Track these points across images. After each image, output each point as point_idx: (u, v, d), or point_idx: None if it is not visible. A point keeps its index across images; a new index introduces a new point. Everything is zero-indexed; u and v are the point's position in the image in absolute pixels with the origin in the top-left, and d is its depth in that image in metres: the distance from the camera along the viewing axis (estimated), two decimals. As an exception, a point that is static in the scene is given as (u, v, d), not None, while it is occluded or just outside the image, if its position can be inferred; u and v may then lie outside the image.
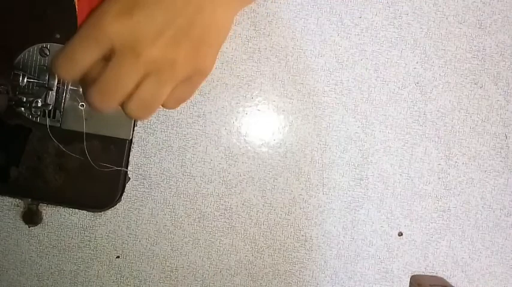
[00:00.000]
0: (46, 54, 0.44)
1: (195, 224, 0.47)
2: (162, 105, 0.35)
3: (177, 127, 0.47)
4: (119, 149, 0.46)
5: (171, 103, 0.34)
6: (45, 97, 0.43)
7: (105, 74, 0.31)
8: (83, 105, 0.45)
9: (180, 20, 0.32)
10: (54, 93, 0.44)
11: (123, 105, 0.33)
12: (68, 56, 0.31)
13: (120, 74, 0.31)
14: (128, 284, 0.47)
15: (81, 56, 0.31)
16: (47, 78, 0.43)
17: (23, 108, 0.43)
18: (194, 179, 0.47)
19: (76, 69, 0.31)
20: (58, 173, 0.46)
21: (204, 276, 0.47)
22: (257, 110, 0.47)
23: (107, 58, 0.31)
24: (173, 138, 0.47)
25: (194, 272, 0.47)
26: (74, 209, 0.47)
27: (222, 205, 0.47)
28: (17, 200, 0.46)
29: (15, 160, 0.45)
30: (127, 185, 0.47)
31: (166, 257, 0.47)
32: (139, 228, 0.47)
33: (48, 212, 0.46)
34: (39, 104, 0.43)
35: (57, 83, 0.44)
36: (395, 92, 0.47)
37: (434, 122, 0.47)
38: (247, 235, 0.47)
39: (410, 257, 0.48)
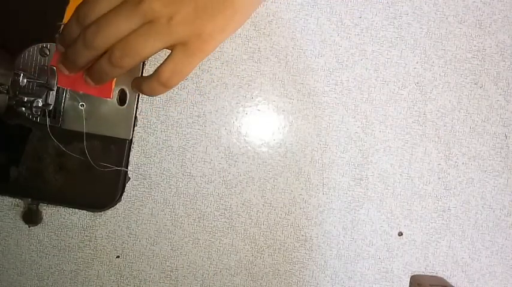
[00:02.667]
0: (46, 54, 0.44)
1: (195, 224, 0.47)
2: (158, 78, 0.34)
3: (177, 127, 0.47)
4: (119, 149, 0.46)
5: (166, 73, 0.34)
6: (46, 97, 0.43)
7: (106, 14, 0.32)
8: (83, 105, 0.45)
9: None
10: (55, 93, 0.44)
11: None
12: (87, 2, 0.33)
13: (117, 14, 0.32)
14: (127, 284, 0.47)
15: (99, 3, 0.33)
16: (47, 78, 0.43)
17: (23, 108, 0.43)
18: (194, 179, 0.47)
19: (93, 14, 0.33)
20: (58, 173, 0.46)
21: (204, 276, 0.47)
22: (257, 110, 0.47)
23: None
24: (173, 138, 0.47)
25: (194, 272, 0.47)
26: (74, 209, 0.47)
27: (222, 204, 0.47)
28: (17, 200, 0.46)
29: (15, 160, 0.45)
30: (127, 185, 0.47)
31: (166, 257, 0.47)
32: (139, 228, 0.47)
33: (48, 212, 0.46)
34: (40, 104, 0.43)
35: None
36: (395, 92, 0.47)
37: (434, 122, 0.47)
38: (247, 235, 0.47)
39: (410, 257, 0.48)
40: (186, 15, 0.32)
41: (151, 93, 0.37)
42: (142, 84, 0.37)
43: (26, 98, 0.42)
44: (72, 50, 0.35)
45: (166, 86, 0.35)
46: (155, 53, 0.33)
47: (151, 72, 0.34)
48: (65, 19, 0.43)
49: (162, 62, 0.34)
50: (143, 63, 0.47)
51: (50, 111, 0.44)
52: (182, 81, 0.47)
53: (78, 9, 0.34)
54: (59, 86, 0.41)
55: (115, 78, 0.42)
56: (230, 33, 0.35)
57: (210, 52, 0.35)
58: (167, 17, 0.32)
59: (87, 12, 0.34)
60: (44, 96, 0.43)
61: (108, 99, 0.45)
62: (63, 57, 0.36)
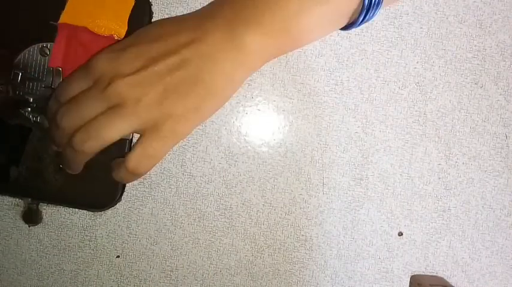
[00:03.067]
0: (46, 54, 0.44)
1: (195, 223, 0.47)
2: (126, 166, 0.32)
3: (177, 127, 0.47)
4: (119, 149, 0.46)
5: (133, 160, 0.32)
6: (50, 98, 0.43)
7: (76, 96, 0.32)
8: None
9: (164, 63, 0.31)
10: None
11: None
12: (64, 81, 0.34)
13: (84, 97, 0.32)
14: (127, 284, 0.47)
15: (71, 84, 0.33)
16: (52, 79, 0.43)
17: (29, 109, 0.43)
18: (194, 178, 0.47)
19: (65, 95, 0.33)
20: (58, 173, 0.46)
21: (204, 276, 0.47)
22: (257, 109, 0.47)
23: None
24: (173, 138, 0.47)
25: (194, 272, 0.47)
26: (74, 209, 0.47)
27: (222, 204, 0.47)
28: (17, 199, 0.46)
29: (15, 159, 0.45)
30: (127, 184, 0.47)
31: (166, 257, 0.47)
32: (139, 228, 0.47)
33: (48, 211, 0.46)
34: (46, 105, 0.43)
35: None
36: (395, 91, 0.47)
37: (435, 122, 0.47)
38: (247, 234, 0.47)
39: (410, 257, 0.48)
40: (154, 96, 0.31)
41: (124, 182, 0.36)
42: (113, 171, 0.35)
43: (31, 99, 0.42)
44: (49, 131, 0.35)
45: (136, 174, 0.33)
46: (122, 137, 0.32)
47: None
48: (62, 18, 0.43)
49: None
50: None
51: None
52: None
53: (57, 86, 0.34)
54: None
55: None
56: (207, 115, 0.33)
57: (185, 134, 0.33)
58: (134, 99, 0.31)
59: (61, 92, 0.34)
60: (48, 97, 0.43)
61: None
62: (49, 135, 0.37)
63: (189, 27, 0.32)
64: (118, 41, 0.43)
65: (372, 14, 0.34)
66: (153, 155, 0.33)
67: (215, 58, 0.32)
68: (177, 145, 0.47)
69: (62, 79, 0.37)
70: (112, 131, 0.32)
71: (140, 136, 0.33)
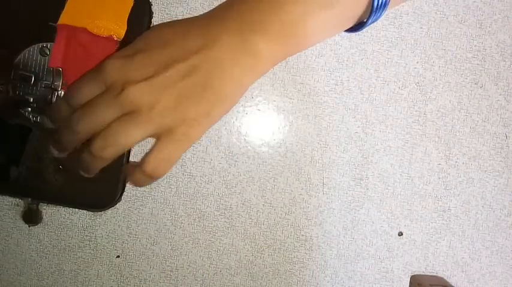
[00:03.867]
0: (46, 54, 0.44)
1: (195, 223, 0.47)
2: (143, 170, 0.33)
3: (177, 127, 0.47)
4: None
5: (151, 163, 0.33)
6: (51, 98, 0.43)
7: (90, 101, 0.32)
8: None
9: (175, 69, 0.32)
10: (56, 93, 0.44)
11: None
12: (74, 86, 0.34)
13: (99, 104, 0.32)
14: (127, 284, 0.47)
15: (82, 88, 0.33)
16: (52, 79, 0.43)
17: (29, 109, 0.43)
18: (194, 178, 0.47)
19: (77, 99, 0.33)
20: (58, 173, 0.46)
21: (204, 276, 0.47)
22: (257, 109, 0.47)
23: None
24: (173, 138, 0.47)
25: (194, 272, 0.47)
26: (74, 209, 0.47)
27: (222, 204, 0.47)
28: (17, 199, 0.46)
29: (15, 159, 0.45)
30: (127, 184, 0.47)
31: (166, 257, 0.47)
32: (139, 228, 0.47)
33: (48, 211, 0.46)
34: (46, 105, 0.43)
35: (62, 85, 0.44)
36: (395, 91, 0.47)
37: (435, 122, 0.47)
38: (247, 234, 0.47)
39: (410, 257, 0.48)
40: (167, 103, 0.32)
41: (139, 185, 0.36)
42: (128, 176, 0.36)
43: (31, 99, 0.42)
44: (59, 133, 0.35)
45: (153, 177, 0.34)
46: (139, 142, 0.33)
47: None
48: (61, 19, 0.43)
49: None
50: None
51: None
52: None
53: (68, 89, 0.34)
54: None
55: None
56: (217, 118, 0.34)
57: (198, 138, 0.34)
58: (148, 106, 0.31)
59: (73, 95, 0.34)
60: (49, 97, 0.43)
61: None
62: (53, 139, 0.36)
63: (197, 33, 0.33)
64: (118, 41, 0.43)
65: (378, 15, 0.34)
66: (168, 158, 0.34)
67: (224, 64, 0.32)
68: (177, 145, 0.47)
69: (72, 83, 0.37)
70: (129, 139, 0.32)
71: (156, 140, 0.33)
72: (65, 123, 0.34)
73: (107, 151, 0.33)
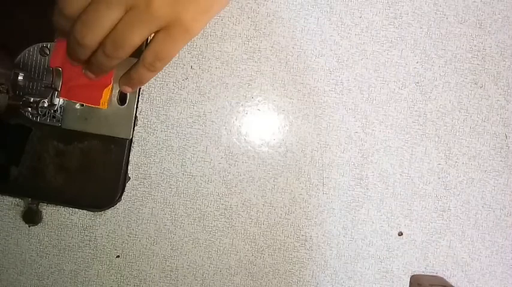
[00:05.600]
0: (46, 53, 0.44)
1: (195, 223, 0.47)
2: (143, 63, 0.35)
3: (177, 127, 0.47)
4: (119, 149, 0.46)
5: (150, 56, 0.34)
6: (51, 98, 0.43)
7: (87, 7, 0.33)
8: (82, 104, 0.45)
9: None
10: (56, 93, 0.44)
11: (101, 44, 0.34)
12: None
13: (98, 6, 0.32)
14: (127, 284, 0.47)
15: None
16: (52, 79, 0.43)
17: (30, 109, 0.43)
18: (194, 178, 0.47)
19: (72, 8, 0.33)
20: (58, 172, 0.46)
21: (204, 276, 0.47)
22: (257, 109, 0.47)
23: None
24: (173, 138, 0.47)
25: (194, 272, 0.47)
26: (74, 209, 0.47)
27: (222, 204, 0.47)
28: (17, 199, 0.46)
29: (15, 159, 0.45)
30: (127, 184, 0.47)
31: (166, 257, 0.47)
32: (139, 228, 0.47)
33: (48, 211, 0.46)
34: (46, 105, 0.43)
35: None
36: (395, 91, 0.47)
37: (434, 122, 0.47)
38: (247, 234, 0.47)
39: (410, 257, 0.48)
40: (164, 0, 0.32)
41: (140, 80, 0.38)
42: (130, 74, 0.37)
43: (32, 99, 0.42)
44: (69, 48, 0.36)
45: (151, 70, 0.36)
46: (144, 40, 0.34)
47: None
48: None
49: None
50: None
51: (50, 111, 0.44)
52: (182, 81, 0.47)
53: (58, 1, 0.34)
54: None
55: (110, 89, 0.43)
56: (214, 14, 0.35)
57: (195, 34, 0.35)
58: (145, 3, 0.32)
59: (65, 5, 0.34)
60: (49, 97, 0.43)
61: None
62: (68, 53, 0.37)
63: None
64: None
65: None
66: (166, 53, 0.35)
67: None
68: (177, 145, 0.47)
69: None
70: (136, 36, 0.33)
71: (154, 34, 0.35)
72: (70, 40, 0.35)
73: (118, 51, 0.34)
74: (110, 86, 0.44)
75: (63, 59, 0.42)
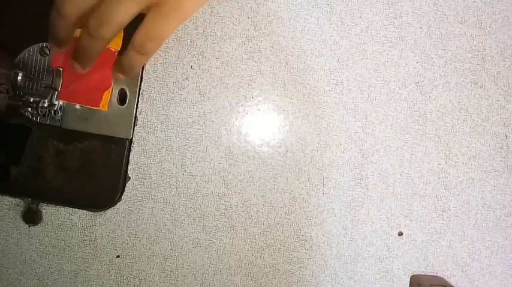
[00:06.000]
0: (46, 53, 0.44)
1: (195, 223, 0.47)
2: (133, 46, 0.32)
3: (177, 127, 0.47)
4: (119, 149, 0.46)
5: (140, 37, 0.32)
6: (51, 97, 0.43)
7: None
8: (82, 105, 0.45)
9: None
10: (56, 93, 0.44)
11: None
12: None
13: None
14: (127, 284, 0.47)
15: None
16: (52, 78, 0.43)
17: (30, 109, 0.43)
18: (194, 178, 0.47)
19: None
20: (58, 172, 0.46)
21: (204, 276, 0.47)
22: (257, 109, 0.47)
23: None
24: (173, 138, 0.47)
25: (194, 272, 0.47)
26: (74, 209, 0.47)
27: (222, 204, 0.47)
28: (17, 199, 0.46)
29: (15, 159, 0.45)
30: (127, 184, 0.47)
31: (166, 257, 0.47)
32: (139, 228, 0.47)
33: (48, 211, 0.46)
34: (46, 105, 0.43)
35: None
36: (395, 91, 0.47)
37: (434, 122, 0.47)
38: (247, 234, 0.47)
39: (410, 257, 0.48)
40: None
41: (132, 66, 0.35)
42: (121, 60, 0.35)
43: (32, 99, 0.42)
44: (50, 23, 0.33)
45: (142, 53, 0.33)
46: (132, 18, 0.31)
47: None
48: None
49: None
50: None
51: (50, 111, 0.44)
52: (182, 81, 0.47)
53: None
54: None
55: (110, 92, 0.43)
56: None
57: (188, 13, 0.32)
58: None
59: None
60: (49, 96, 0.43)
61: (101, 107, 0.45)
62: (48, 34, 0.35)
63: None
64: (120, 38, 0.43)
65: None
66: (157, 33, 0.32)
67: None
68: (177, 145, 0.47)
69: None
70: (122, 12, 0.31)
71: (145, 16, 0.32)
72: (52, 12, 0.32)
73: (103, 29, 0.31)
74: (110, 89, 0.44)
75: (63, 59, 0.42)
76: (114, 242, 0.47)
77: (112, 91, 0.44)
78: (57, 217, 0.47)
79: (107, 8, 0.30)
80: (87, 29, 0.31)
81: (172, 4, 0.31)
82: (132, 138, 0.46)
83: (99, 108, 0.44)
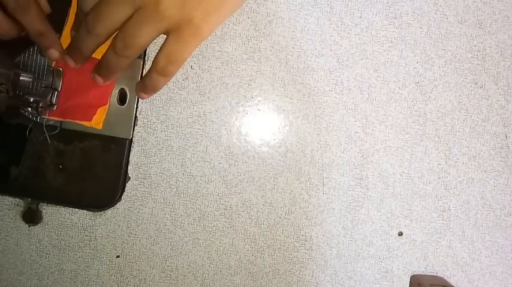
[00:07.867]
0: (46, 54, 0.43)
1: (195, 223, 0.47)
2: (155, 68, 0.35)
3: (177, 127, 0.47)
4: (119, 149, 0.46)
5: (162, 60, 0.34)
6: (51, 97, 0.43)
7: (98, 4, 0.34)
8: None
9: None
10: (56, 93, 0.44)
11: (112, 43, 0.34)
12: None
13: (108, 2, 0.33)
14: (127, 284, 0.47)
15: None
16: (52, 79, 0.43)
17: (30, 109, 0.43)
18: (194, 178, 0.47)
19: (87, 3, 0.35)
20: (58, 172, 0.46)
21: (204, 276, 0.47)
22: (257, 109, 0.47)
23: None
24: (173, 138, 0.47)
25: (194, 272, 0.47)
26: (74, 209, 0.47)
27: (222, 204, 0.47)
28: (17, 199, 0.46)
29: (15, 159, 0.45)
30: (127, 184, 0.47)
31: (166, 257, 0.47)
32: (139, 228, 0.47)
33: (48, 211, 0.46)
34: (46, 105, 0.43)
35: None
36: (395, 91, 0.47)
37: (434, 122, 0.47)
38: (247, 234, 0.47)
39: (410, 257, 0.48)
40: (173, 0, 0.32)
41: (154, 86, 0.38)
42: (144, 81, 0.37)
43: (31, 99, 0.42)
44: (77, 38, 0.36)
45: (164, 75, 0.36)
46: (152, 41, 0.34)
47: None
48: (68, 24, 0.43)
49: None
50: (143, 63, 0.47)
51: (50, 111, 0.44)
52: (182, 81, 0.47)
53: None
54: (50, 118, 0.43)
55: (105, 110, 0.43)
56: (225, 16, 0.35)
57: (206, 36, 0.34)
58: (154, 2, 0.32)
59: (82, 2, 0.35)
60: (49, 96, 0.43)
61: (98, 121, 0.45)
62: (69, 48, 0.37)
63: None
64: None
65: None
66: (176, 57, 0.35)
67: None
68: (177, 145, 0.47)
69: None
70: (144, 36, 0.33)
71: (165, 39, 0.35)
72: (82, 29, 0.35)
73: (128, 50, 0.34)
74: (107, 106, 0.44)
75: (65, 68, 0.42)
76: (114, 242, 0.47)
77: (109, 108, 0.44)
78: (57, 217, 0.47)
79: (130, 31, 0.33)
80: (114, 48, 0.34)
81: (191, 31, 0.33)
82: (132, 138, 0.46)
83: (91, 124, 0.44)
